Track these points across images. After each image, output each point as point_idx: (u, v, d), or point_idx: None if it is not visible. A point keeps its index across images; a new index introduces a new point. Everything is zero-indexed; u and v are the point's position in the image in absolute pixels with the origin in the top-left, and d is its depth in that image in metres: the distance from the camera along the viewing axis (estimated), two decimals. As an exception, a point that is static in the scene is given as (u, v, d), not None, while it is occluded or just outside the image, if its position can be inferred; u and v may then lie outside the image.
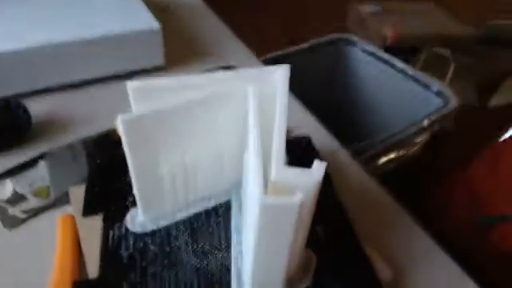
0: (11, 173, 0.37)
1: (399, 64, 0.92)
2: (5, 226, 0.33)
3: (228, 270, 0.27)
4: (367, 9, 2.04)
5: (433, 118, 0.80)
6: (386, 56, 0.94)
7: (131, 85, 0.26)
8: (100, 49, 0.45)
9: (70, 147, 0.39)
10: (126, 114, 0.25)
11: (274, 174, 0.22)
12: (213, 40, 0.59)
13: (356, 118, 1.02)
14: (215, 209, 0.32)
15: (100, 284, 0.27)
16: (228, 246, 0.29)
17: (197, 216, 0.31)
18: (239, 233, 0.29)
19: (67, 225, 0.31)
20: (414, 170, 0.96)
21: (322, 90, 0.99)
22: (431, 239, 0.35)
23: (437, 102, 0.85)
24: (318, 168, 0.22)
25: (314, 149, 0.39)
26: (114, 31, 0.44)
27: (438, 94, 0.85)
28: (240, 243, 0.29)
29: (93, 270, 0.28)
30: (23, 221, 0.33)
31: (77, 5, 0.49)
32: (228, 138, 0.30)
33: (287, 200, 0.21)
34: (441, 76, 1.31)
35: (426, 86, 0.87)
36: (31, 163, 0.37)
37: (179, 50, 0.54)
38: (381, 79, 0.95)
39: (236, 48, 0.58)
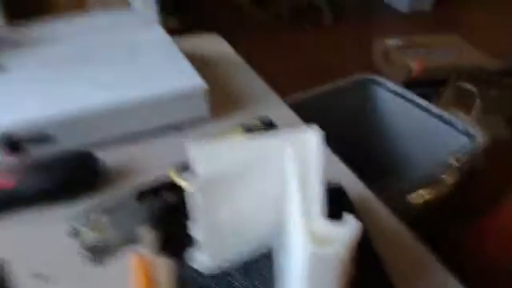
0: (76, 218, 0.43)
1: (424, 103, 0.96)
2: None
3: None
4: (392, 43, 2.10)
5: (459, 156, 0.83)
6: (411, 95, 0.99)
7: (191, 147, 0.32)
8: (154, 106, 0.52)
9: (130, 195, 0.46)
10: (196, 178, 0.31)
11: (318, 227, 0.27)
12: (249, 92, 0.65)
13: (382, 155, 1.06)
14: (266, 254, 0.37)
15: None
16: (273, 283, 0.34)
17: (251, 260, 0.36)
18: (283, 274, 0.34)
19: (141, 262, 0.37)
20: (444, 210, 0.98)
21: (347, 129, 1.04)
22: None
23: (463, 140, 0.88)
24: (353, 223, 0.27)
25: (346, 197, 0.44)
26: (166, 91, 0.52)
27: (464, 132, 0.88)
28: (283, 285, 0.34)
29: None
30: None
31: (130, 66, 0.56)
32: (272, 189, 0.35)
33: (329, 250, 0.26)
34: (467, 111, 1.34)
35: (451, 124, 0.91)
36: (93, 211, 0.44)
37: (220, 102, 0.61)
38: (406, 118, 0.99)
39: (270, 99, 0.65)
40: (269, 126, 0.55)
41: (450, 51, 2.02)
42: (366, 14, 2.77)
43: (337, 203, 0.42)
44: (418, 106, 0.96)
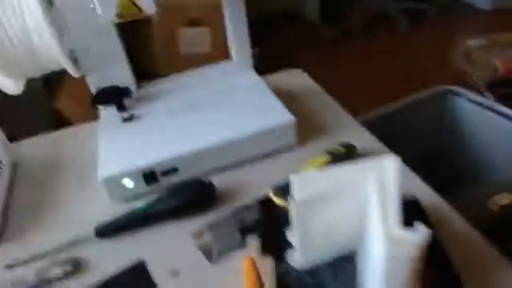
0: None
1: (505, 110, 0.96)
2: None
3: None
4: (474, 43, 2.04)
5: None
6: (491, 103, 0.99)
7: (294, 177, 0.42)
8: (252, 139, 0.64)
9: (233, 212, 0.57)
10: (298, 198, 0.41)
11: (393, 233, 0.36)
12: (331, 119, 0.75)
13: (465, 165, 1.07)
14: (349, 256, 0.46)
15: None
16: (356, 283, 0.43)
17: (336, 260, 0.46)
18: (363, 275, 0.43)
19: (251, 262, 0.48)
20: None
21: (428, 141, 1.07)
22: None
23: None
24: (423, 230, 0.35)
25: (420, 207, 0.51)
26: (262, 126, 0.64)
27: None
28: (363, 283, 0.42)
29: (273, 293, 0.44)
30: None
31: (233, 109, 0.69)
32: (356, 207, 0.44)
33: (403, 251, 0.34)
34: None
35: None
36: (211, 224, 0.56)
37: (306, 130, 0.71)
38: (487, 126, 1.00)
39: (350, 124, 0.73)
40: (350, 149, 0.64)
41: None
42: (446, 15, 2.68)
43: (412, 213, 0.50)
44: (499, 113, 0.97)
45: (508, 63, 1.81)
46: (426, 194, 0.56)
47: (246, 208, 0.58)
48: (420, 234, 0.35)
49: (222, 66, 0.79)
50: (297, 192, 0.44)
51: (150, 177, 0.60)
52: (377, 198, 0.40)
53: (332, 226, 0.45)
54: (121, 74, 0.71)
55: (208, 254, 0.52)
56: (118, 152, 0.63)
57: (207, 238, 0.54)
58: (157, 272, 0.51)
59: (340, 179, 0.42)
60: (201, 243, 0.54)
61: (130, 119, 0.69)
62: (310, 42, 2.64)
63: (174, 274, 0.51)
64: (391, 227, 0.36)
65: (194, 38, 1.67)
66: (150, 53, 1.76)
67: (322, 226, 0.44)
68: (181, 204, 0.57)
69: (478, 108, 1.00)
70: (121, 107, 0.70)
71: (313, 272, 0.45)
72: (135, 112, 0.71)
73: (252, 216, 0.57)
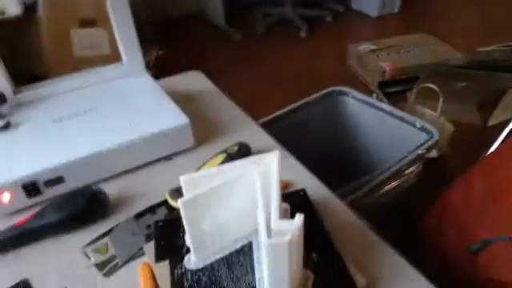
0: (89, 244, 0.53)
1: (386, 107, 1.08)
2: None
3: (254, 288, 0.43)
4: (365, 47, 2.25)
5: (419, 150, 0.94)
6: (374, 101, 1.10)
7: (183, 178, 0.43)
8: (148, 144, 0.62)
9: (128, 220, 0.56)
10: (183, 197, 0.41)
11: (272, 225, 0.38)
12: (229, 120, 0.76)
13: (356, 155, 1.17)
14: (242, 248, 0.47)
15: (175, 305, 0.42)
16: (253, 273, 0.44)
17: (231, 254, 0.47)
18: (259, 262, 0.45)
19: (146, 268, 0.47)
20: (414, 198, 1.09)
21: (322, 138, 1.15)
22: (401, 257, 0.48)
23: (422, 136, 1.00)
24: (298, 218, 0.38)
25: (308, 198, 0.55)
26: (155, 130, 0.62)
27: (422, 129, 1.00)
28: (260, 270, 0.44)
29: (168, 297, 0.43)
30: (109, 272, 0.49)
31: (124, 113, 0.67)
32: (245, 202, 0.46)
33: (280, 240, 0.36)
34: (435, 105, 1.45)
35: (412, 123, 1.03)
36: (103, 235, 0.54)
37: (203, 131, 0.71)
38: (373, 121, 1.11)
39: (247, 125, 0.75)
40: (245, 149, 0.65)
41: (418, 49, 2.16)
42: (340, 22, 2.91)
43: (299, 203, 0.54)
44: (382, 109, 1.08)
45: (393, 65, 2.03)
46: (315, 186, 0.60)
47: (138, 214, 0.56)
48: (297, 222, 0.37)
49: (112, 68, 0.75)
50: (186, 192, 0.44)
51: (31, 188, 0.55)
52: (260, 190, 0.42)
53: (223, 222, 0.46)
54: (-7, 78, 0.64)
55: (98, 267, 0.50)
56: (-8, 164, 0.57)
57: (95, 252, 0.51)
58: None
59: (227, 176, 0.44)
60: (90, 259, 0.51)
61: (6, 127, 0.63)
62: (216, 44, 2.67)
63: (65, 290, 0.47)
64: (272, 219, 0.38)
65: (88, 40, 1.57)
66: (40, 55, 1.61)
67: (213, 223, 0.45)
68: (66, 216, 0.53)
69: (363, 105, 1.11)
70: (-5, 114, 0.63)
71: (208, 270, 0.45)
72: (12, 119, 0.64)
73: (148, 221, 0.55)
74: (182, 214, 0.42)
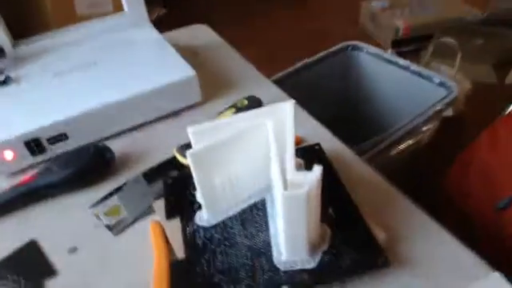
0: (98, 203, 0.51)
1: (402, 62, 1.02)
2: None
3: (269, 244, 0.41)
4: (377, 5, 2.14)
5: (437, 107, 0.90)
6: (390, 56, 1.05)
7: (190, 129, 0.40)
8: (152, 98, 0.59)
9: (136, 178, 0.53)
10: (191, 149, 0.38)
11: (288, 177, 0.35)
12: (237, 74, 0.72)
13: (370, 114, 1.13)
14: (255, 204, 0.45)
15: (187, 261, 0.40)
16: (267, 229, 0.42)
17: (244, 210, 0.45)
18: (273, 218, 0.43)
19: (157, 226, 0.45)
20: (431, 156, 1.05)
21: (336, 95, 1.11)
22: (424, 213, 0.46)
23: (441, 92, 0.95)
24: (317, 169, 0.35)
25: (323, 152, 0.52)
26: (161, 84, 0.59)
27: (441, 84, 0.95)
28: (275, 225, 0.42)
29: (180, 254, 0.41)
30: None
31: (128, 66, 0.63)
32: (258, 155, 0.43)
33: (298, 191, 0.33)
34: (450, 63, 1.39)
35: (429, 79, 0.97)
36: (111, 194, 0.52)
37: (212, 86, 0.68)
38: (388, 77, 1.06)
39: (257, 79, 0.72)
40: (256, 103, 0.62)
41: (433, 6, 2.05)
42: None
43: (314, 158, 0.51)
44: (398, 65, 1.03)
45: (407, 22, 1.93)
46: (330, 142, 0.57)
47: (147, 172, 0.54)
48: (315, 174, 0.35)
49: (114, 19, 0.71)
50: (195, 144, 0.41)
51: (34, 146, 0.53)
52: (273, 141, 0.39)
53: (236, 177, 0.43)
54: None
55: (109, 229, 0.48)
56: (-7, 120, 0.54)
57: (106, 215, 0.49)
58: (52, 251, 0.46)
59: (238, 126, 0.41)
60: (101, 221, 0.49)
61: (5, 82, 0.60)
62: (223, 1, 2.57)
63: (73, 250, 0.46)
64: (288, 172, 0.36)
65: (90, -2, 1.51)
66: (41, 15, 1.56)
67: (224, 178, 0.43)
68: (73, 173, 0.51)
69: (378, 60, 1.06)
70: (-7, 69, 0.60)
71: (221, 227, 0.43)
72: (12, 74, 0.61)
73: (157, 179, 0.53)
74: (191, 167, 0.40)
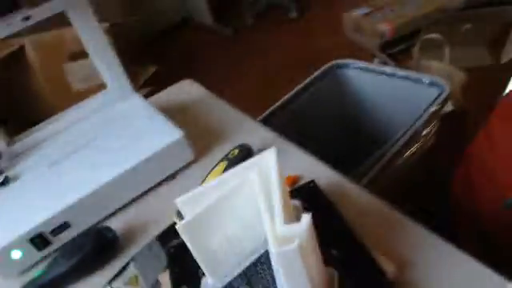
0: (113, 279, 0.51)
1: (389, 69, 1.02)
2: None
3: (278, 300, 0.40)
4: (360, 12, 2.16)
5: (432, 108, 0.89)
6: (375, 67, 1.05)
7: (178, 200, 0.40)
8: (147, 168, 0.60)
9: (148, 246, 0.54)
10: (181, 221, 0.39)
11: (277, 232, 0.35)
12: (226, 123, 0.73)
13: (369, 127, 1.12)
14: (259, 259, 0.45)
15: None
16: (274, 282, 0.41)
17: (248, 268, 0.44)
18: (278, 271, 0.42)
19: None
20: (439, 156, 1.03)
21: (331, 115, 1.10)
22: (433, 234, 0.44)
23: (433, 91, 0.94)
24: (305, 218, 0.35)
25: (318, 189, 0.51)
26: (152, 152, 0.60)
27: (431, 84, 0.94)
28: (280, 278, 0.41)
29: (192, 326, 0.41)
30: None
31: (119, 140, 0.65)
32: (251, 210, 0.43)
33: (289, 247, 0.33)
34: (441, 56, 1.38)
35: (419, 81, 0.97)
36: (124, 268, 0.52)
37: (203, 140, 0.69)
38: (379, 88, 1.06)
39: (245, 124, 0.72)
40: (246, 152, 0.62)
41: (413, 1, 2.06)
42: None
43: (311, 197, 0.50)
44: (386, 73, 1.02)
45: (391, 24, 1.94)
46: (327, 175, 0.56)
47: (163, 235, 0.54)
48: (304, 224, 0.34)
49: (98, 97, 0.73)
50: (186, 214, 0.41)
51: (39, 241, 0.54)
52: (262, 195, 0.39)
53: (233, 236, 0.43)
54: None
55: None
56: (-3, 223, 0.56)
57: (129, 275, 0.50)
58: None
59: (224, 187, 0.41)
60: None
61: (4, 183, 0.62)
62: (209, 45, 2.63)
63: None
64: (277, 225, 0.35)
65: (83, 72, 1.57)
66: (38, 97, 1.63)
67: (222, 240, 0.42)
68: (79, 261, 0.51)
69: (365, 73, 1.06)
70: (-9, 173, 0.62)
71: (227, 287, 0.43)
72: (10, 173, 0.63)
73: (159, 250, 0.53)
74: (185, 239, 0.40)
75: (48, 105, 1.61)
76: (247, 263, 0.44)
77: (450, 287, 0.39)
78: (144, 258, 0.52)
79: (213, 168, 0.60)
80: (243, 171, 0.42)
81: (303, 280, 0.36)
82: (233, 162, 0.59)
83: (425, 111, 0.88)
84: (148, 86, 1.75)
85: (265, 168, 0.42)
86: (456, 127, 1.16)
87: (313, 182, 0.53)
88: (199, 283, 0.44)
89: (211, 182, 0.43)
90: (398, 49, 1.94)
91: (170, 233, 0.54)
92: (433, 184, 0.98)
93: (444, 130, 1.01)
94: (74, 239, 0.54)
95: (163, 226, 0.56)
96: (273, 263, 0.38)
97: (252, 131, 0.70)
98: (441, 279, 0.40)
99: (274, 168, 0.41)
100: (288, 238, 0.34)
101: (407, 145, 0.87)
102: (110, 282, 0.51)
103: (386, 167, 0.83)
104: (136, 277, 0.51)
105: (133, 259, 0.52)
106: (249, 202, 0.42)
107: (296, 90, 1.08)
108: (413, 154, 0.89)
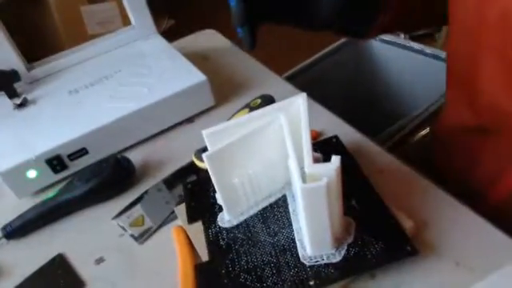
0: (120, 214, 0.52)
1: (417, 46, 1.00)
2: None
3: (293, 240, 0.40)
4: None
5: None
6: (402, 41, 1.02)
7: (205, 132, 0.40)
8: (167, 106, 0.59)
9: (157, 186, 0.54)
10: (207, 151, 0.38)
11: (306, 169, 0.34)
12: (248, 75, 0.72)
13: (387, 103, 1.11)
14: (276, 202, 0.45)
15: (212, 263, 0.40)
16: (290, 225, 0.42)
17: (265, 209, 0.44)
18: (295, 214, 0.42)
19: (180, 231, 0.45)
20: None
21: (350, 85, 1.09)
22: (451, 197, 0.44)
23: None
24: (335, 160, 0.34)
25: (342, 144, 0.51)
26: (173, 91, 0.59)
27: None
28: (297, 221, 0.41)
29: (204, 256, 0.41)
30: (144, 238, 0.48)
31: (139, 77, 0.64)
32: (275, 152, 0.42)
33: (317, 184, 0.33)
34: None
35: (446, 60, 0.94)
36: (133, 203, 0.52)
37: (224, 89, 0.68)
38: (403, 64, 1.03)
39: (269, 78, 0.71)
40: (269, 102, 0.61)
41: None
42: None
43: (333, 151, 0.50)
44: (413, 49, 1.00)
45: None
46: (348, 134, 0.55)
47: (168, 179, 0.54)
48: (333, 164, 0.34)
49: (123, 33, 0.72)
50: (210, 147, 0.41)
51: (56, 163, 0.54)
52: (288, 135, 0.38)
53: (254, 176, 0.43)
54: (5, 56, 0.62)
55: (135, 238, 0.48)
56: (15, 142, 0.56)
57: (131, 226, 0.50)
58: (80, 263, 0.47)
59: (251, 125, 0.40)
60: (127, 232, 0.49)
61: (22, 104, 0.61)
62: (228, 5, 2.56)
63: (100, 261, 0.47)
64: (304, 162, 0.35)
65: (101, 16, 1.54)
66: (53, 36, 1.60)
67: (243, 177, 0.42)
68: (95, 186, 0.51)
69: (391, 47, 1.03)
70: (11, 93, 0.62)
71: (243, 226, 0.43)
72: (28, 96, 0.63)
73: (177, 185, 0.53)
74: (209, 168, 0.39)
75: (62, 47, 1.58)
76: (265, 204, 0.45)
77: (464, 249, 0.39)
78: (151, 199, 0.52)
79: (234, 114, 0.60)
80: (271, 112, 0.41)
81: (324, 221, 0.36)
82: (255, 109, 0.59)
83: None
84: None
85: (294, 111, 0.41)
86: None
87: (336, 137, 0.52)
88: (215, 219, 0.44)
89: (236, 119, 0.42)
90: (423, 32, 1.90)
91: (189, 170, 0.54)
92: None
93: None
94: (91, 165, 0.54)
95: (179, 164, 0.56)
96: (298, 202, 0.38)
97: (274, 84, 0.69)
98: (456, 241, 0.40)
99: (305, 111, 0.40)
100: (316, 177, 0.34)
101: (426, 121, 0.86)
102: (115, 217, 0.51)
103: (403, 141, 0.82)
104: (142, 217, 0.51)
105: (140, 199, 0.52)
106: (274, 143, 0.42)
107: (314, 57, 1.07)
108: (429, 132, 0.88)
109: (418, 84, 1.03)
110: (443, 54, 0.95)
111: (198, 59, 0.73)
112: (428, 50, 0.97)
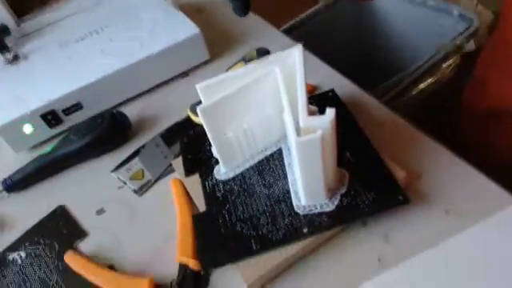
0: (119, 167, 0.52)
1: (418, -3, 0.96)
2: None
3: (288, 191, 0.41)
4: None
5: (457, 41, 0.85)
6: (405, -9, 0.99)
7: (199, 86, 0.39)
8: (160, 60, 0.58)
9: (154, 140, 0.54)
10: (201, 104, 0.38)
11: (301, 123, 0.34)
12: (244, 27, 0.70)
13: (386, 56, 1.09)
14: (272, 155, 0.45)
15: (209, 213, 0.41)
16: (285, 177, 0.42)
17: (260, 162, 0.45)
18: (291, 166, 0.43)
19: (178, 183, 0.46)
20: (453, 95, 1.01)
21: (349, 38, 1.06)
22: (444, 148, 0.44)
23: (460, 25, 0.90)
24: (330, 112, 0.34)
25: (338, 97, 0.51)
26: (167, 45, 0.58)
27: (460, 17, 0.90)
28: (292, 173, 0.42)
29: (202, 207, 0.42)
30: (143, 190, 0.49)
31: (132, 30, 0.62)
32: (270, 104, 0.42)
33: (311, 136, 0.33)
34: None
35: (448, 12, 0.92)
36: (131, 157, 0.53)
37: (219, 42, 0.66)
38: (404, 16, 1.01)
39: (266, 30, 0.69)
40: (265, 54, 0.60)
41: None
42: None
43: (329, 104, 0.49)
44: (414, 2, 0.97)
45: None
46: (345, 87, 0.55)
47: (167, 132, 0.55)
48: (327, 117, 0.34)
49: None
50: (204, 100, 0.41)
51: (51, 118, 0.54)
52: (283, 88, 0.38)
53: (250, 129, 0.43)
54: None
55: (135, 191, 0.49)
56: (9, 97, 0.55)
57: (130, 180, 0.51)
58: (81, 214, 0.48)
59: (245, 78, 0.40)
60: (126, 185, 0.50)
61: (15, 60, 0.60)
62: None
63: (100, 212, 0.48)
64: (299, 115, 0.35)
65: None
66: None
67: (238, 130, 0.42)
68: (91, 141, 0.52)
69: (391, -1, 1.00)
70: (1, 48, 0.60)
71: (239, 178, 0.44)
72: (20, 51, 0.62)
73: (173, 139, 0.54)
74: (203, 122, 0.39)
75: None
76: (261, 157, 0.45)
77: (458, 200, 0.40)
78: (149, 152, 0.53)
79: (229, 68, 0.59)
80: (266, 65, 0.41)
81: (318, 172, 0.36)
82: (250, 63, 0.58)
83: (449, 43, 0.85)
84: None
85: (291, 63, 0.40)
86: (475, 68, 1.12)
87: (332, 90, 0.52)
88: (211, 171, 0.45)
89: (230, 72, 0.42)
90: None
91: (185, 124, 0.54)
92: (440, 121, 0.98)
93: (463, 69, 0.98)
94: (87, 119, 0.54)
95: (175, 119, 0.56)
96: (293, 154, 0.38)
97: (270, 36, 0.67)
98: (448, 190, 0.41)
99: (300, 63, 0.39)
100: (311, 129, 0.34)
101: (425, 75, 0.85)
102: (114, 170, 0.52)
103: (400, 94, 0.82)
104: (142, 170, 0.52)
105: (138, 153, 0.53)
106: (270, 96, 0.41)
107: (313, 9, 1.03)
108: (429, 85, 0.87)
109: (419, 36, 1.00)
110: (445, 5, 0.92)
111: (193, 11, 0.71)
112: (430, 2, 0.94)
